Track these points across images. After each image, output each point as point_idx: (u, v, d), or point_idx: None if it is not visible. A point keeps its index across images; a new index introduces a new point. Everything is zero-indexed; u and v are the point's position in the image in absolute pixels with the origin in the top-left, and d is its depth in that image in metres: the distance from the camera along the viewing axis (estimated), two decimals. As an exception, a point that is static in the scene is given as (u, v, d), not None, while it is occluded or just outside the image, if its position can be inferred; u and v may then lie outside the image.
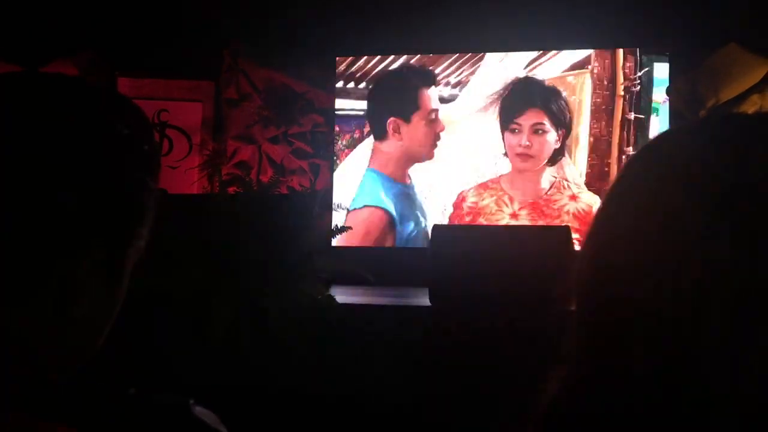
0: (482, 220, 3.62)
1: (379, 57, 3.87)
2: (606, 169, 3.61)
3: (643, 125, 3.58)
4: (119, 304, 0.68)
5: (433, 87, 3.77)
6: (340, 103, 3.88)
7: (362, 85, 3.90)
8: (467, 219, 3.64)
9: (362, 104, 3.90)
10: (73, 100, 0.62)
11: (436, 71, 3.80)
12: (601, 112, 3.63)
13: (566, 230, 2.46)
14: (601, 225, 0.64)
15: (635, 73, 3.59)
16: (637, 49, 3.59)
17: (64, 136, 0.59)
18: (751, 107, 3.33)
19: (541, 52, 3.70)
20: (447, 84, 3.80)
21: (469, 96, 3.79)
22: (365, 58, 3.89)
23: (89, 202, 0.60)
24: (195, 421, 0.56)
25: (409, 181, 3.78)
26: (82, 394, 0.56)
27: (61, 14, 3.79)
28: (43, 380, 0.56)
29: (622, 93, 3.61)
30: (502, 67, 3.77)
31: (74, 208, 0.59)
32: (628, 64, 3.61)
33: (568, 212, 3.55)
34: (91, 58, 3.95)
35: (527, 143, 3.60)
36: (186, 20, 3.81)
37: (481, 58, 3.78)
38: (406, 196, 3.75)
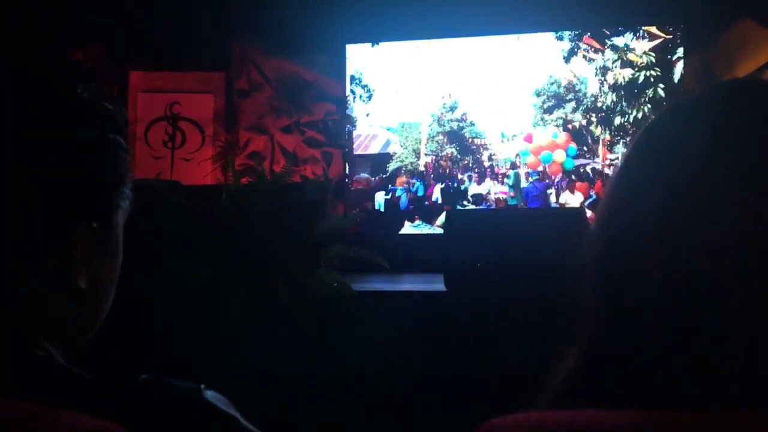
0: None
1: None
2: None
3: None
4: (119, 268, 0.68)
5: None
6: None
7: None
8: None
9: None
10: (27, 74, 0.61)
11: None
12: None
13: (581, 212, 2.44)
14: (612, 196, 0.64)
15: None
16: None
17: (27, 112, 0.59)
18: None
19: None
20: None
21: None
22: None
23: (67, 172, 0.60)
24: (206, 404, 0.56)
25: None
26: (96, 381, 0.56)
27: (72, 7, 3.80)
28: (53, 364, 0.57)
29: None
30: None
31: (54, 182, 0.59)
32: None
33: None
34: (101, 51, 3.97)
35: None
36: (195, 12, 3.81)
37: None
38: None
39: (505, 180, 3.78)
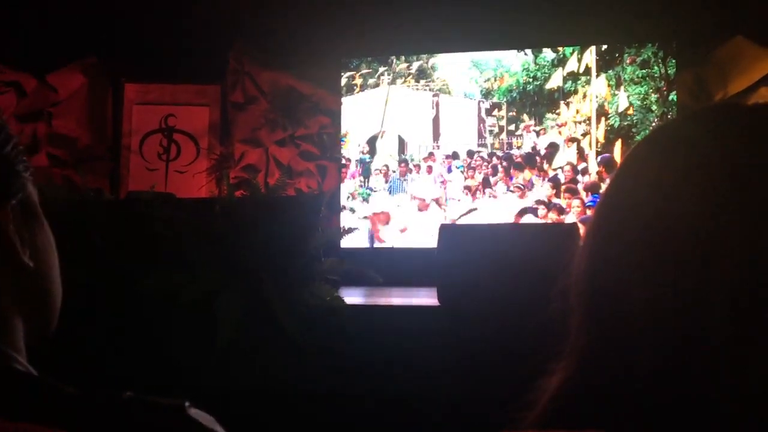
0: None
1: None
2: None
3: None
4: (51, 238, 0.68)
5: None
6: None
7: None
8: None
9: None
10: None
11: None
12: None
13: (573, 227, 2.44)
14: (602, 214, 0.64)
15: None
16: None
17: None
18: (760, 100, 3.29)
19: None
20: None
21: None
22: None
23: None
24: (190, 422, 0.56)
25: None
26: (78, 398, 0.55)
27: (67, 19, 3.82)
28: (32, 377, 0.56)
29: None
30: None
31: None
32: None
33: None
34: (96, 63, 3.99)
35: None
36: (191, 25, 3.82)
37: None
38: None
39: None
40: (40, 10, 3.78)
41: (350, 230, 3.32)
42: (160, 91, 4.05)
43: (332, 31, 3.77)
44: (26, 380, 0.57)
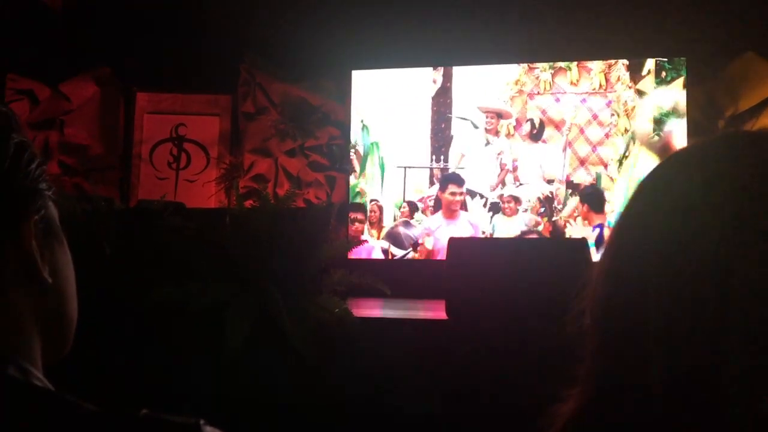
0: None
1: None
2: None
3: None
4: (70, 257, 0.68)
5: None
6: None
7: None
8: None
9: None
10: None
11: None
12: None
13: (583, 242, 2.43)
14: (617, 240, 0.63)
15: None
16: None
17: None
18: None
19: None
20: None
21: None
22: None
23: None
24: (206, 440, 0.56)
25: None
26: (94, 416, 0.55)
27: (81, 29, 3.85)
28: (51, 393, 0.57)
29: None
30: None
31: None
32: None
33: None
34: (109, 72, 4.02)
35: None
36: (203, 36, 3.85)
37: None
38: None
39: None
40: (53, 19, 3.81)
41: (359, 242, 3.32)
42: (171, 100, 4.07)
43: (343, 43, 3.79)
44: (43, 396, 0.57)
